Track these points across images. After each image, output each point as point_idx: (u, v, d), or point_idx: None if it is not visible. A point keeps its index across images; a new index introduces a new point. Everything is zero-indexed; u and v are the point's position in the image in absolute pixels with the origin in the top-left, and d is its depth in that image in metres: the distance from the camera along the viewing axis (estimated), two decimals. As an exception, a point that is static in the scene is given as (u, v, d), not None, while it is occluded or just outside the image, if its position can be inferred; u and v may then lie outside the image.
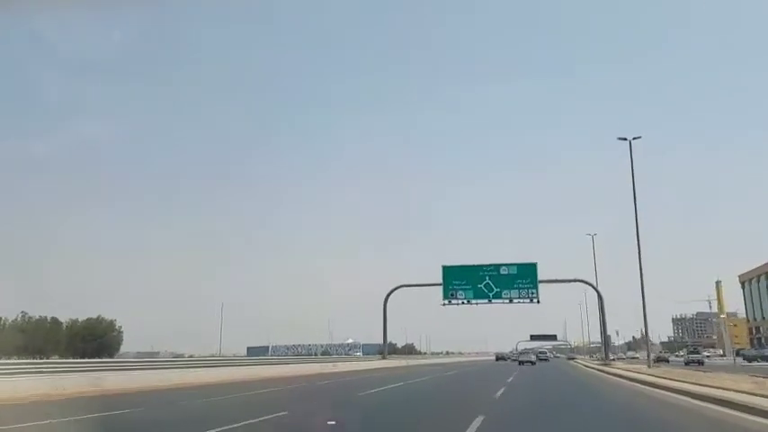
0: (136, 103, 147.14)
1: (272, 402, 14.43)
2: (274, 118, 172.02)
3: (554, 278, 55.09)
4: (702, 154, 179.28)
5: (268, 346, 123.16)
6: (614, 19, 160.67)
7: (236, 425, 9.40)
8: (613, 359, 65.17)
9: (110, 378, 19.96)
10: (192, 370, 27.38)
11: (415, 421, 10.89)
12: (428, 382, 24.95)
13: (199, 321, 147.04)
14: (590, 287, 56.85)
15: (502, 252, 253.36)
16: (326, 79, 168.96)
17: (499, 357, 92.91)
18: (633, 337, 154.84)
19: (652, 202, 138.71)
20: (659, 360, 58.50)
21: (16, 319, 58.09)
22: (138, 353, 70.21)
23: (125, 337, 67.31)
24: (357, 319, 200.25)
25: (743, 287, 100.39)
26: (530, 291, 51.70)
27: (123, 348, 68.78)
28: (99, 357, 51.19)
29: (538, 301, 51.90)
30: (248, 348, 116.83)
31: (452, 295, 52.87)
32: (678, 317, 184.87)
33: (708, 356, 74.28)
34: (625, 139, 34.39)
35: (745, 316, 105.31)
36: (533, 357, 64.57)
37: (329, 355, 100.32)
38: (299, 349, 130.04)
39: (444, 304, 53.20)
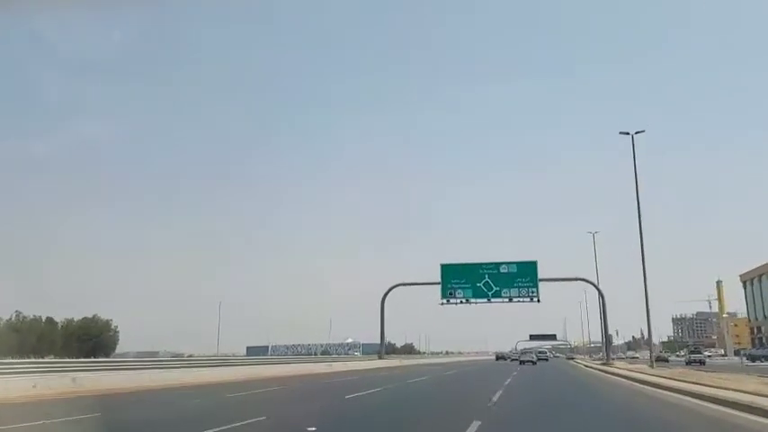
0: (136, 103, 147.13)
1: (255, 405, 13.76)
2: (274, 118, 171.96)
3: (554, 277, 54.58)
4: (702, 154, 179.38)
5: (268, 346, 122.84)
6: (614, 19, 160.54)
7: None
8: (614, 359, 64.72)
9: (89, 378, 19.46)
10: (186, 370, 27.19)
11: (405, 428, 10.20)
12: (426, 382, 24.42)
13: (199, 321, 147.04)
14: (590, 286, 56.46)
15: (502, 252, 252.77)
16: (326, 79, 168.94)
17: (499, 357, 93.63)
18: (633, 337, 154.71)
19: (652, 202, 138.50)
20: (659, 360, 57.93)
21: (10, 319, 57.48)
22: (139, 353, 70.15)
23: (125, 336, 67.02)
24: (357, 318, 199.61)
25: (744, 286, 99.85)
26: (530, 289, 51.04)
27: (123, 348, 68.61)
28: (95, 357, 50.66)
29: (538, 300, 51.29)
30: (248, 348, 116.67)
31: (451, 294, 52.14)
32: (678, 317, 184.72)
33: (709, 356, 73.73)
34: (627, 133, 33.86)
35: (745, 316, 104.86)
36: (534, 357, 64.57)
37: (329, 354, 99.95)
38: (299, 349, 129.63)
39: (443, 303, 52.40)
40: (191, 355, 64.02)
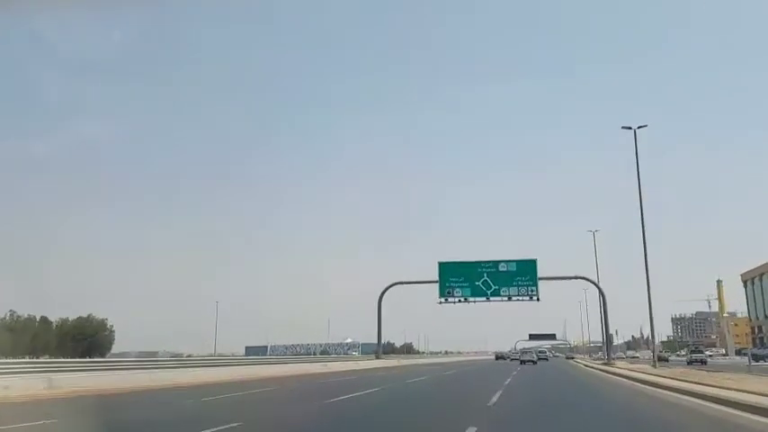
0: (136, 103, 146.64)
1: (235, 408, 13.09)
2: (274, 118, 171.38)
3: (554, 275, 54.11)
4: (702, 154, 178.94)
5: (267, 346, 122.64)
6: (614, 19, 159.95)
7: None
8: (615, 359, 64.30)
9: (68, 378, 18.83)
10: (181, 370, 26.96)
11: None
12: (424, 383, 23.97)
13: (199, 321, 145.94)
14: (590, 286, 56.05)
15: (502, 251, 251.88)
16: (326, 79, 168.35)
17: (499, 357, 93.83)
18: (633, 337, 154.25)
19: (652, 201, 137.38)
20: (659, 359, 57.54)
21: (4, 318, 56.98)
22: (140, 352, 70.11)
23: (126, 336, 66.92)
24: (356, 318, 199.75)
25: (745, 286, 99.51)
26: (529, 288, 50.50)
27: (123, 348, 68.36)
28: (90, 357, 50.18)
29: (538, 299, 50.78)
30: (247, 348, 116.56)
31: (449, 293, 51.50)
32: (677, 316, 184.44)
33: (710, 356, 73.28)
34: (630, 128, 33.29)
35: (745, 315, 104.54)
36: (535, 356, 64.34)
37: (328, 354, 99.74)
38: (298, 349, 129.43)
39: (441, 302, 51.74)
40: (189, 355, 63.63)
